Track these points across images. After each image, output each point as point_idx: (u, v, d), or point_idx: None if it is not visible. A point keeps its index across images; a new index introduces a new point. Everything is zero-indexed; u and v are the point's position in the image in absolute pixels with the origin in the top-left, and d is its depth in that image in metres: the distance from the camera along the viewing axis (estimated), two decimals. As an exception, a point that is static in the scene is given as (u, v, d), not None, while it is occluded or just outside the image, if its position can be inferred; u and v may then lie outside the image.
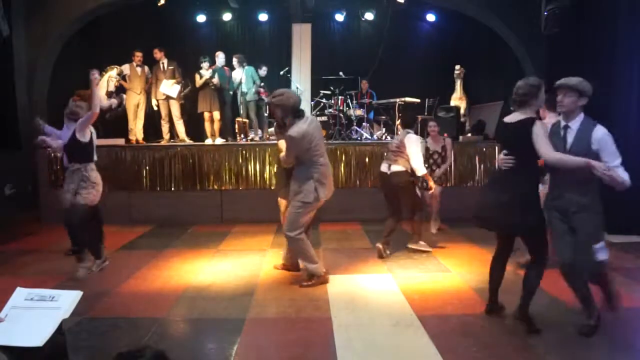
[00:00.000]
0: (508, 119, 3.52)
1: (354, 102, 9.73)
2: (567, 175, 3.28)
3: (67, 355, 2.58)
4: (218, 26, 11.55)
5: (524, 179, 3.39)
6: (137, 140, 8.76)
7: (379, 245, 5.54)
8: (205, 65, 8.98)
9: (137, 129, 8.83)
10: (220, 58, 9.12)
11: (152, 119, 9.24)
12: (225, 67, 9.22)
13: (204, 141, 8.86)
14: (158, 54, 8.87)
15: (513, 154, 3.40)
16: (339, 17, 11.41)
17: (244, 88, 9.25)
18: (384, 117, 9.90)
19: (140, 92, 8.83)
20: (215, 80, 8.89)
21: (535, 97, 3.40)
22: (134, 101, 8.75)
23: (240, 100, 9.31)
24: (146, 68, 8.91)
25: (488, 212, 3.52)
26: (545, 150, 3.23)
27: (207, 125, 9.00)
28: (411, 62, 10.97)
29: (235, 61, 9.39)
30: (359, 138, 9.05)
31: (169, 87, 8.73)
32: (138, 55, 8.76)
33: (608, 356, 3.20)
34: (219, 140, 8.74)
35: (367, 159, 7.97)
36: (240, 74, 9.32)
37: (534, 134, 3.26)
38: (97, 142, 8.18)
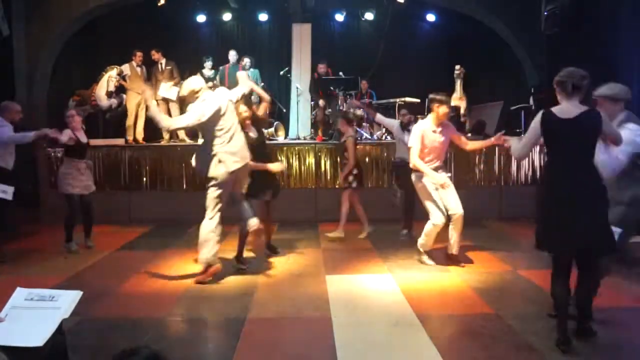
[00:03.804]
0: (565, 113, 3.14)
1: (354, 102, 9.71)
2: None
3: (67, 355, 2.57)
4: (218, 26, 11.53)
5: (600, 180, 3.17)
6: (136, 140, 8.75)
7: None
8: (208, 64, 8.96)
9: (138, 128, 8.83)
10: (232, 56, 9.06)
11: (152, 119, 9.21)
12: (240, 65, 9.17)
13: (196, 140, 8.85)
14: (156, 54, 8.86)
15: (583, 154, 3.15)
16: (339, 17, 11.37)
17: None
18: (384, 117, 9.88)
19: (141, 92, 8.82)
20: (216, 82, 8.92)
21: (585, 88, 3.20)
22: (136, 101, 8.74)
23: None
24: (144, 68, 8.90)
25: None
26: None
27: None
28: (411, 62, 10.95)
29: (248, 62, 9.40)
30: (359, 138, 9.03)
31: (168, 90, 8.73)
32: (139, 55, 8.75)
33: (608, 356, 3.21)
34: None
35: (366, 159, 7.96)
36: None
37: (605, 121, 3.13)
38: (97, 142, 8.23)
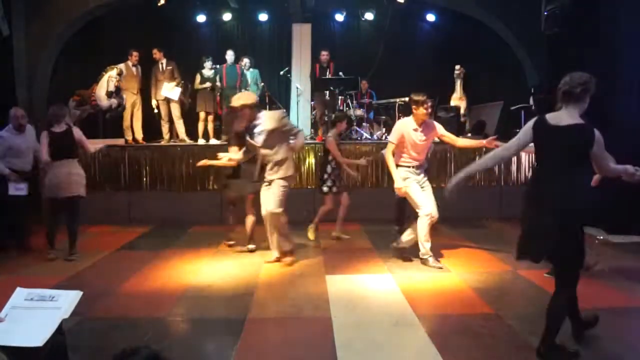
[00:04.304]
0: (556, 120, 3.07)
1: (354, 102, 9.72)
2: None
3: (67, 355, 2.58)
4: (218, 26, 11.53)
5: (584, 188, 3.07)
6: (136, 140, 8.76)
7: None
8: (208, 64, 8.96)
9: (136, 128, 8.82)
10: (229, 56, 9.06)
11: (152, 119, 9.23)
12: (237, 65, 9.17)
13: (196, 141, 8.86)
14: (157, 54, 8.85)
15: (565, 164, 3.04)
16: (339, 17, 11.38)
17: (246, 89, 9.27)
18: (384, 117, 9.89)
19: (137, 92, 8.83)
20: (217, 84, 8.91)
21: (590, 92, 3.05)
22: (131, 101, 8.74)
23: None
24: (139, 68, 8.89)
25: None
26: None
27: (200, 125, 8.98)
28: (411, 62, 10.95)
29: (247, 62, 9.40)
30: (359, 138, 9.05)
31: (171, 90, 8.71)
32: (135, 55, 8.74)
33: (608, 356, 3.20)
34: (213, 141, 8.74)
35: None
36: (246, 76, 9.33)
37: (598, 143, 2.96)
38: (97, 142, 8.23)
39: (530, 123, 3.18)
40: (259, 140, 5.09)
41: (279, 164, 5.12)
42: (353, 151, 7.92)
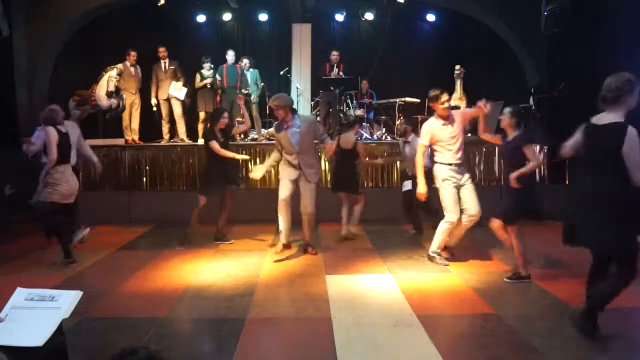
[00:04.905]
0: (598, 119, 3.20)
1: (354, 102, 9.72)
2: None
3: (67, 355, 2.58)
4: (218, 26, 11.54)
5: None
6: (133, 140, 8.76)
7: None
8: (207, 65, 8.96)
9: (133, 128, 8.82)
10: (230, 56, 9.06)
11: (151, 119, 9.23)
12: (238, 65, 9.17)
13: (196, 141, 8.87)
14: (163, 52, 8.84)
15: (601, 162, 3.15)
16: (339, 17, 11.39)
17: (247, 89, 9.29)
18: (384, 117, 9.89)
19: (135, 92, 8.84)
20: (218, 79, 8.90)
21: (629, 94, 3.11)
22: (129, 101, 8.75)
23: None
24: (138, 68, 8.90)
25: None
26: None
27: (200, 125, 8.98)
28: (411, 62, 10.95)
29: (247, 62, 9.42)
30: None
31: (178, 90, 8.71)
32: (133, 55, 8.75)
33: (608, 356, 3.20)
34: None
35: (367, 159, 7.95)
36: (246, 76, 9.35)
37: (629, 142, 3.00)
38: (97, 142, 8.24)
39: (583, 125, 3.30)
40: (293, 141, 5.33)
41: (312, 166, 5.53)
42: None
